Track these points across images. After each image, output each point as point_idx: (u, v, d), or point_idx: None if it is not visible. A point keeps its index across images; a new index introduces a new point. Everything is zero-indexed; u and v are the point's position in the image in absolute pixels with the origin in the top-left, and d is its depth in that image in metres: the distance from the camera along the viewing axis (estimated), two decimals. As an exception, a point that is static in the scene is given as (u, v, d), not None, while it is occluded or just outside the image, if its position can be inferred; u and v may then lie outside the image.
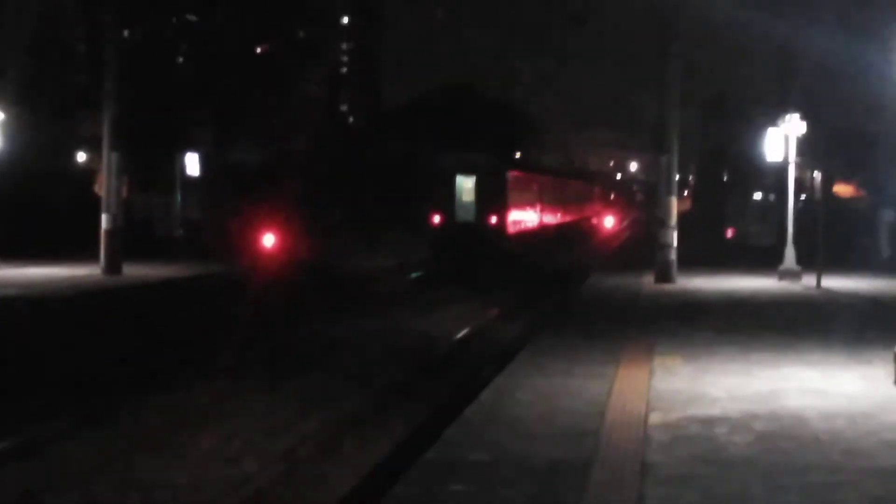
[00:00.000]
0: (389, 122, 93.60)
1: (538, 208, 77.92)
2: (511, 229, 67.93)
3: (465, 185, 66.08)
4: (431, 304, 33.55)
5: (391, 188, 65.92)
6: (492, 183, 66.23)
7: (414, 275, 41.81)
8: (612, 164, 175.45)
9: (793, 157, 32.12)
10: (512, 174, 71.36)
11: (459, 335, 27.39)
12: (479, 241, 58.93)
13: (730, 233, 61.21)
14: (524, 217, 73.05)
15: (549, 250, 61.23)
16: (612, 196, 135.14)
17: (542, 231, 75.73)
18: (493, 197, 65.81)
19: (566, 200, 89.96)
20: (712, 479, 10.25)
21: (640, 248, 46.72)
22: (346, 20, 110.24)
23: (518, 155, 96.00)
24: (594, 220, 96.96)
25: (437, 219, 63.67)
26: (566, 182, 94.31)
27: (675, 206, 32.35)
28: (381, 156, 71.52)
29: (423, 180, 64.77)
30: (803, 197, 49.10)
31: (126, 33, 42.45)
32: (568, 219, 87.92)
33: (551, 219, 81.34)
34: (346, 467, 15.27)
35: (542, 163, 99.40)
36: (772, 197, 59.03)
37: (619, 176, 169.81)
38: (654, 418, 12.80)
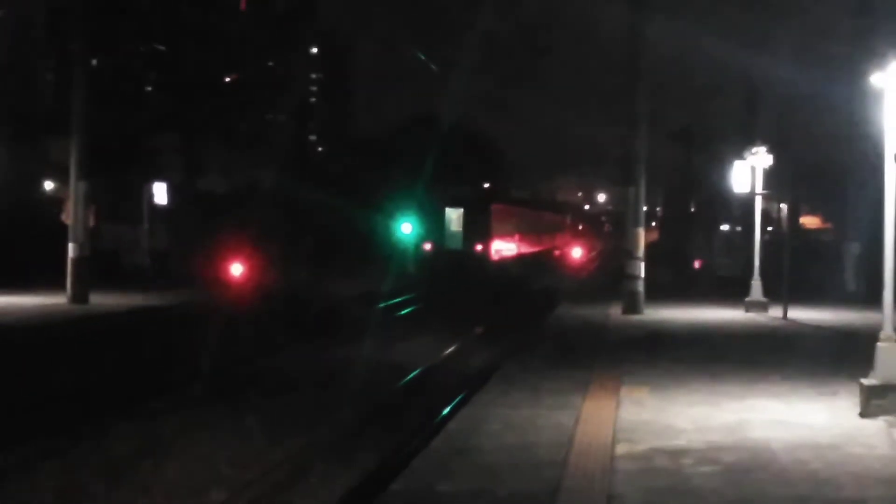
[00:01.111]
0: (359, 152, 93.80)
1: (517, 237, 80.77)
2: (494, 256, 72.35)
3: (453, 216, 71.35)
4: (400, 333, 33.50)
5: (367, 219, 66.66)
6: (478, 215, 71.70)
7: (382, 304, 41.75)
8: (580, 195, 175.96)
9: (759, 189, 32.25)
10: (495, 207, 77.01)
11: (428, 365, 27.35)
12: (466, 267, 61.74)
13: (697, 264, 61.28)
14: (505, 245, 76.10)
15: (525, 276, 63.07)
16: (581, 227, 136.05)
17: (520, 258, 78.90)
18: (479, 227, 71.39)
19: (541, 231, 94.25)
20: (679, 511, 10.24)
21: (609, 277, 46.79)
22: (314, 50, 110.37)
23: (487, 185, 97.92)
24: (565, 250, 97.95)
25: (428, 246, 66.98)
26: (541, 214, 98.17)
27: (642, 237, 32.41)
28: (359, 185, 72.27)
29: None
30: (770, 229, 49.30)
31: (95, 62, 42.33)
32: (542, 247, 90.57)
33: (528, 247, 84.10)
34: (312, 498, 15.21)
35: (520, 196, 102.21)
36: (739, 228, 59.22)
37: (587, 207, 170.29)
38: (621, 449, 12.78)
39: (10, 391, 21.54)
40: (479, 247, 72.19)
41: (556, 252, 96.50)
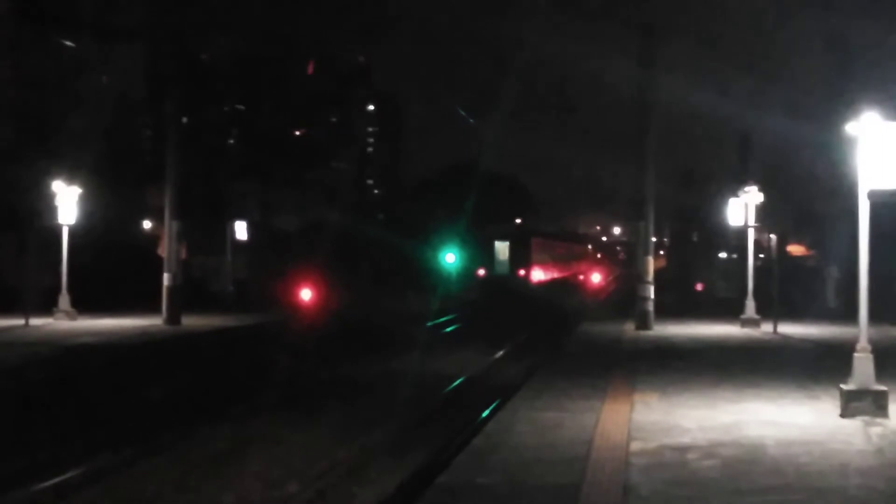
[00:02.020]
0: (410, 194, 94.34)
1: (551, 265, 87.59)
2: (534, 280, 76.76)
3: (501, 247, 76.23)
4: (444, 348, 33.49)
5: (417, 250, 67.28)
6: (520, 246, 76.89)
7: (430, 323, 41.76)
8: (598, 228, 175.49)
9: (751, 222, 32.10)
10: (534, 240, 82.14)
11: (470, 374, 27.30)
12: (511, 289, 65.19)
13: (699, 287, 61.01)
14: (542, 271, 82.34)
15: (556, 296, 64.54)
16: (600, 256, 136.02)
17: (552, 282, 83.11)
18: (522, 257, 76.39)
19: (569, 259, 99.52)
20: (685, 499, 10.18)
21: (623, 299, 46.63)
22: (371, 108, 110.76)
23: (528, 223, 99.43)
24: (587, 275, 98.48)
25: (481, 272, 72.14)
26: (569, 245, 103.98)
27: (651, 264, 32.29)
28: (409, 222, 73.36)
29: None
30: (761, 256, 49.04)
31: (185, 120, 42.67)
32: (570, 273, 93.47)
33: (559, 273, 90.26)
34: (371, 489, 15.22)
35: (552, 230, 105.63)
36: (735, 256, 58.94)
37: (605, 238, 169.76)
38: (635, 446, 12.73)
39: (115, 399, 21.68)
40: (521, 272, 76.14)
41: (580, 277, 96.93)
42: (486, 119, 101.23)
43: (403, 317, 43.36)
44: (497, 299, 56.24)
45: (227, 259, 51.55)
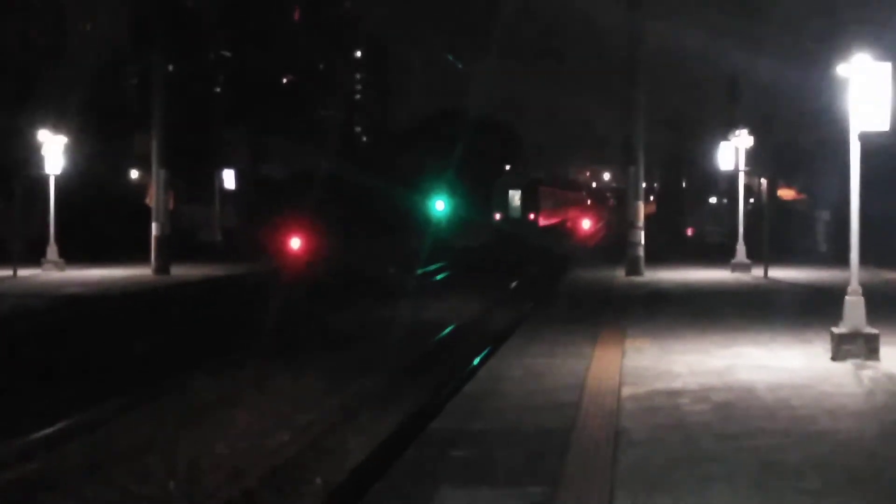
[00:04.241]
0: (397, 141, 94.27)
1: (554, 211, 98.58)
2: (541, 223, 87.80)
3: (514, 195, 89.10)
4: (435, 295, 33.51)
5: (403, 197, 67.66)
6: (531, 194, 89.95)
7: (420, 271, 41.78)
8: (588, 174, 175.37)
9: (742, 166, 32.07)
10: (542, 188, 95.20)
11: (459, 322, 27.33)
12: (522, 230, 73.86)
13: (689, 232, 61.11)
14: (548, 215, 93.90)
15: (554, 239, 69.21)
16: (591, 202, 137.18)
17: (554, 225, 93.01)
18: (532, 203, 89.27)
19: (568, 205, 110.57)
20: (676, 443, 10.23)
21: (613, 245, 46.64)
22: (358, 54, 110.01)
23: (508, 167, 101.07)
24: (581, 221, 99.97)
25: (498, 216, 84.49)
26: (567, 193, 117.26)
27: (641, 209, 32.27)
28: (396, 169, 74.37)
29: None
30: (752, 200, 49.04)
31: (171, 68, 42.34)
32: (567, 217, 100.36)
33: (559, 218, 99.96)
34: (364, 436, 15.25)
35: (553, 179, 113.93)
36: (725, 200, 58.98)
37: (594, 184, 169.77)
38: (626, 391, 12.77)
39: (104, 350, 21.69)
40: (531, 216, 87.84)
41: (575, 220, 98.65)
42: (475, 64, 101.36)
43: (393, 265, 43.35)
44: (495, 244, 57.50)
45: (216, 208, 51.50)
